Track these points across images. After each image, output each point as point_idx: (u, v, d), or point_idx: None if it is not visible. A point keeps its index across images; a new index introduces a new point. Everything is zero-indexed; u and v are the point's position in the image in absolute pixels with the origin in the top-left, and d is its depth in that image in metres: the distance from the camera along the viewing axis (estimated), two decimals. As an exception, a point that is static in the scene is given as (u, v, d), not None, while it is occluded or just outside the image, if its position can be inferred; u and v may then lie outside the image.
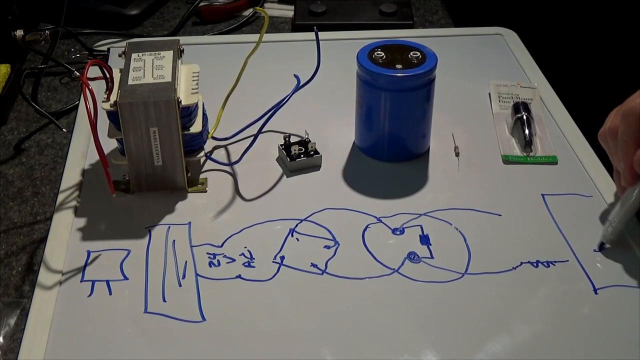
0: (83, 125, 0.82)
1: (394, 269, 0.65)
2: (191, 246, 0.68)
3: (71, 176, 0.76)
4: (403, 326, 0.60)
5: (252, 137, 0.75)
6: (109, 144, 0.73)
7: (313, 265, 0.66)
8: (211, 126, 0.76)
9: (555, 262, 0.66)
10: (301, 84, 0.77)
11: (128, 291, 0.63)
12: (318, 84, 0.78)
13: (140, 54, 0.73)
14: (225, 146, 0.80)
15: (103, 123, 0.68)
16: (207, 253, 0.67)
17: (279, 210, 0.72)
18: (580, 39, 1.33)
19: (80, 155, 0.78)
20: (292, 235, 0.69)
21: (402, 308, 0.62)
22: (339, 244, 0.68)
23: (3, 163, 0.80)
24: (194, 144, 0.73)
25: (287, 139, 0.78)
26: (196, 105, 0.71)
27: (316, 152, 0.77)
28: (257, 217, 0.71)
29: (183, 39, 0.82)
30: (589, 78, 1.28)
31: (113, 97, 0.68)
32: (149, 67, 0.71)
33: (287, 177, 0.76)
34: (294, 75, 0.77)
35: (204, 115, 0.75)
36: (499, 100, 0.87)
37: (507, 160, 0.78)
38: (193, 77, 0.73)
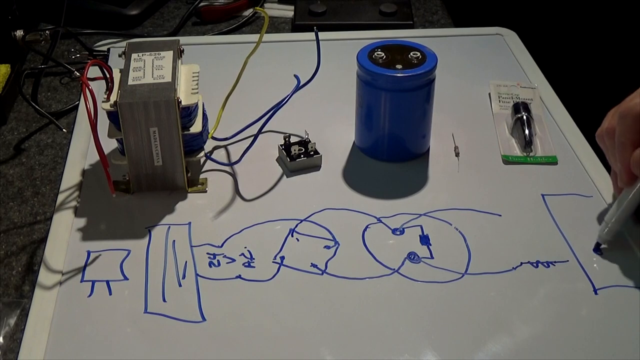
0: (83, 125, 0.82)
1: (394, 269, 0.65)
2: (191, 246, 0.68)
3: (71, 176, 0.76)
4: (403, 326, 0.60)
5: (252, 137, 0.75)
6: (109, 144, 0.73)
7: (313, 265, 0.66)
8: (211, 126, 0.76)
9: (555, 262, 0.66)
10: (301, 84, 0.77)
11: (128, 291, 0.63)
12: (318, 84, 0.78)
13: (140, 54, 0.73)
14: (225, 146, 0.80)
15: (103, 123, 0.68)
16: (207, 253, 0.67)
17: (279, 210, 0.72)
18: (580, 39, 1.33)
19: (80, 155, 0.78)
20: (292, 236, 0.69)
21: (402, 308, 0.62)
22: (339, 244, 0.68)
23: (3, 163, 0.80)
24: (194, 144, 0.73)
25: (287, 139, 0.78)
26: (196, 105, 0.71)
27: (316, 152, 0.77)
28: (257, 217, 0.71)
29: (183, 39, 0.82)
30: (589, 78, 1.28)
31: (113, 97, 0.68)
32: (149, 67, 0.71)
33: (287, 177, 0.76)
34: (294, 75, 0.77)
35: (204, 115, 0.75)
36: (499, 100, 0.87)
37: (507, 160, 0.78)
38: (193, 77, 0.73)
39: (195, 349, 0.58)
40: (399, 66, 0.74)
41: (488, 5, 1.32)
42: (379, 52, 0.75)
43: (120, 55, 0.74)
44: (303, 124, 0.80)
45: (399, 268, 0.66)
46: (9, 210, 0.74)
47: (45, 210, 0.74)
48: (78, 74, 0.68)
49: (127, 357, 0.58)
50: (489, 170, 0.77)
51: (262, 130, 0.76)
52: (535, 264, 0.66)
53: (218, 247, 0.68)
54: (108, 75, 0.70)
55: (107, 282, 0.64)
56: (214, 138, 0.77)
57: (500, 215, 0.71)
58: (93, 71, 0.66)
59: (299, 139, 0.79)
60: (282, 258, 0.66)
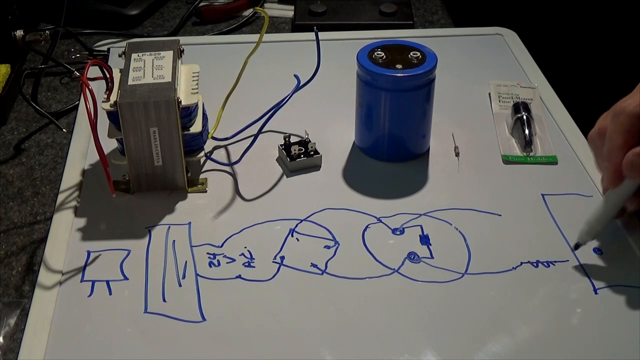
0: (83, 125, 0.82)
1: (394, 269, 0.65)
2: (191, 246, 0.68)
3: (71, 176, 0.76)
4: (403, 326, 0.60)
5: (252, 137, 0.75)
6: (109, 144, 0.73)
7: (313, 265, 0.66)
8: (211, 126, 0.76)
9: (555, 262, 0.66)
10: (301, 84, 0.77)
11: (128, 291, 0.63)
12: (318, 84, 0.78)
13: (140, 54, 0.73)
14: (225, 146, 0.80)
15: (103, 123, 0.68)
16: (207, 253, 0.67)
17: (279, 210, 0.72)
18: (580, 39, 1.33)
19: (80, 155, 0.78)
20: (292, 235, 0.69)
21: (402, 308, 0.62)
22: (339, 244, 0.68)
23: (3, 163, 0.80)
24: (194, 144, 0.73)
25: (287, 139, 0.78)
26: (196, 105, 0.71)
27: (316, 152, 0.77)
28: (257, 217, 0.71)
29: (183, 39, 0.82)
30: (589, 78, 1.28)
31: (113, 97, 0.68)
32: (149, 67, 0.71)
33: (287, 177, 0.76)
34: (294, 75, 0.77)
35: (204, 115, 0.75)
36: (499, 100, 0.87)
37: (507, 160, 0.78)
38: (193, 77, 0.73)
39: (195, 349, 0.58)
40: (399, 66, 0.74)
41: (488, 5, 1.32)
42: (379, 52, 0.75)
43: (120, 55, 0.74)
44: (303, 124, 0.80)
45: (399, 268, 0.66)
46: (9, 210, 0.74)
47: (45, 210, 0.74)
48: (78, 74, 0.68)
49: (127, 357, 0.58)
50: (489, 170, 0.77)
51: (262, 130, 0.76)
52: (535, 264, 0.66)
53: (218, 247, 0.68)
54: (108, 75, 0.70)
55: (107, 282, 0.64)
56: (214, 138, 0.77)
57: (500, 215, 0.71)
58: (93, 71, 0.66)
59: (299, 139, 0.79)
60: (282, 258, 0.66)
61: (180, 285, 0.64)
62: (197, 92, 0.72)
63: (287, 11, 1.11)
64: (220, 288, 0.64)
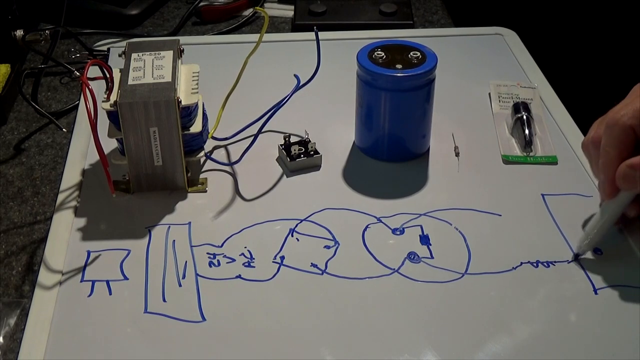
0: (83, 125, 0.82)
1: (394, 269, 0.65)
2: (191, 246, 0.68)
3: (71, 176, 0.76)
4: (403, 326, 0.60)
5: (252, 137, 0.75)
6: (109, 144, 0.73)
7: (313, 265, 0.66)
8: (211, 126, 0.76)
9: (555, 262, 0.66)
10: (301, 84, 0.77)
11: (128, 291, 0.63)
12: (318, 84, 0.78)
13: (140, 54, 0.73)
14: (225, 146, 0.80)
15: (103, 123, 0.68)
16: (207, 253, 0.67)
17: (279, 210, 0.72)
18: (580, 39, 1.33)
19: (80, 155, 0.78)
20: (292, 235, 0.69)
21: (402, 308, 0.62)
22: (339, 244, 0.68)
23: (3, 163, 0.80)
24: (194, 144, 0.73)
25: (287, 139, 0.78)
26: (196, 105, 0.71)
27: (316, 152, 0.77)
28: (257, 217, 0.71)
29: (183, 39, 0.82)
30: (589, 78, 1.28)
31: (113, 97, 0.68)
32: (149, 67, 0.71)
33: (287, 177, 0.76)
34: (294, 75, 0.77)
35: (204, 115, 0.75)
36: (499, 100, 0.87)
37: (507, 160, 0.78)
38: (193, 77, 0.73)
39: (195, 349, 0.58)
40: (399, 66, 0.74)
41: (488, 5, 1.32)
42: (379, 52, 0.75)
43: (120, 55, 0.74)
44: (303, 124, 0.80)
45: (399, 268, 0.66)
46: (9, 210, 0.74)
47: (45, 210, 0.74)
48: (78, 73, 0.68)
49: (127, 357, 0.58)
50: (489, 170, 0.77)
51: (262, 130, 0.76)
52: (535, 264, 0.66)
53: (218, 247, 0.68)
54: (108, 75, 0.70)
55: (107, 282, 0.64)
56: (214, 138, 0.77)
57: (500, 215, 0.71)
58: (93, 71, 0.66)
59: (299, 139, 0.79)
60: (282, 258, 0.66)
61: (180, 285, 0.64)
62: (197, 92, 0.72)
63: (287, 11, 1.11)
64: (220, 288, 0.64)
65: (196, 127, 0.71)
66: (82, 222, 0.70)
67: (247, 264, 0.66)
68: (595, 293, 0.63)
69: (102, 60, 0.86)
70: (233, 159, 0.78)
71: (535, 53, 0.97)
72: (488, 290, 0.63)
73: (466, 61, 0.96)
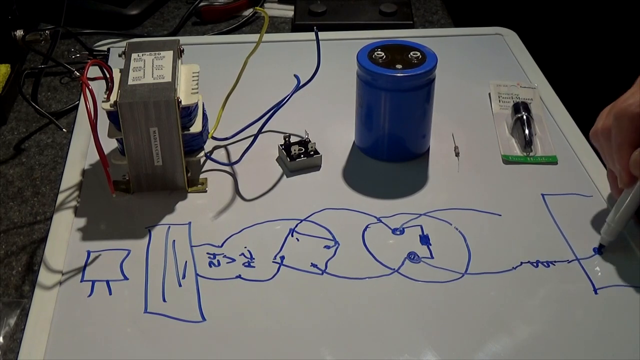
0: (83, 125, 0.82)
1: (394, 269, 0.65)
2: (191, 246, 0.68)
3: (71, 176, 0.76)
4: (403, 326, 0.60)
5: (252, 137, 0.75)
6: (109, 144, 0.73)
7: (313, 265, 0.66)
8: (211, 126, 0.76)
9: (555, 262, 0.66)
10: (301, 84, 0.77)
11: (128, 291, 0.63)
12: (318, 84, 0.78)
13: (140, 54, 0.73)
14: (225, 146, 0.80)
15: (103, 123, 0.68)
16: (207, 253, 0.67)
17: (279, 210, 0.72)
18: (580, 39, 1.33)
19: (80, 155, 0.78)
20: (292, 235, 0.69)
21: (402, 308, 0.62)
22: (339, 244, 0.68)
23: (3, 163, 0.80)
24: (194, 144, 0.73)
25: (287, 139, 0.78)
26: (196, 105, 0.71)
27: (316, 152, 0.77)
28: (257, 217, 0.71)
29: (183, 39, 0.82)
30: (589, 78, 1.28)
31: (113, 97, 0.68)
32: (149, 67, 0.71)
33: (287, 177, 0.76)
34: (294, 75, 0.77)
35: (204, 115, 0.75)
36: (499, 100, 0.87)
37: (507, 160, 0.78)
38: (193, 77, 0.73)
39: (195, 349, 0.58)
40: (399, 66, 0.73)
41: (488, 5, 1.32)
42: (379, 52, 0.75)
43: (120, 55, 0.74)
44: (303, 124, 0.80)
45: (399, 268, 0.66)
46: (9, 210, 0.74)
47: (45, 210, 0.74)
48: (78, 74, 0.68)
49: (127, 357, 0.58)
50: (489, 170, 0.77)
51: (262, 130, 0.76)
52: (535, 264, 0.66)
53: (218, 247, 0.68)
54: (108, 75, 0.70)
55: (107, 282, 0.64)
56: (214, 138, 0.77)
57: (500, 215, 0.71)
58: (93, 71, 0.66)
59: (299, 139, 0.79)
60: (282, 258, 0.66)
61: (180, 285, 0.64)
62: (197, 92, 0.72)
63: (287, 11, 1.11)
64: (220, 288, 0.64)
65: (196, 127, 0.71)
66: (82, 222, 0.70)
67: (247, 264, 0.66)
68: (595, 293, 0.63)
69: (102, 60, 0.86)
70: (233, 159, 0.78)
71: (535, 53, 0.97)
72: (488, 290, 0.63)
73: (466, 61, 0.96)
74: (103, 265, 0.66)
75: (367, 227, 0.70)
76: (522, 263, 0.66)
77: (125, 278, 0.64)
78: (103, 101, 0.68)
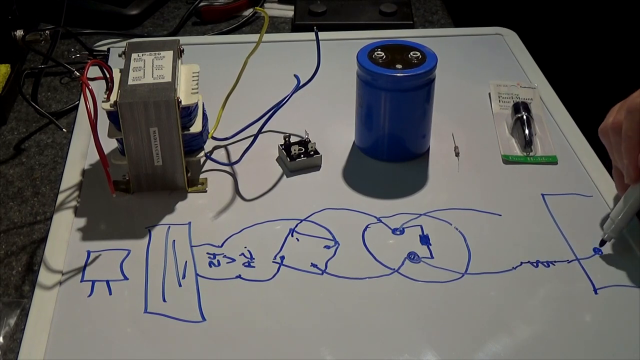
0: (83, 125, 0.82)
1: (394, 269, 0.65)
2: (191, 246, 0.68)
3: (71, 176, 0.76)
4: (403, 326, 0.60)
5: (252, 137, 0.75)
6: (109, 144, 0.73)
7: (313, 265, 0.66)
8: (211, 126, 0.76)
9: (555, 262, 0.66)
10: (301, 84, 0.77)
11: (128, 291, 0.63)
12: (318, 84, 0.78)
13: (140, 54, 0.73)
14: (225, 146, 0.80)
15: (103, 123, 0.68)
16: (207, 253, 0.67)
17: (279, 210, 0.72)
18: (580, 39, 1.33)
19: (80, 155, 0.78)
20: (292, 235, 0.69)
21: (402, 308, 0.62)
22: (339, 244, 0.68)
23: (3, 163, 0.80)
24: (194, 144, 0.73)
25: (287, 139, 0.78)
26: (196, 105, 0.71)
27: (316, 152, 0.77)
28: (257, 217, 0.71)
29: (183, 39, 0.82)
30: (589, 78, 1.28)
31: (113, 97, 0.68)
32: (149, 67, 0.71)
33: (287, 177, 0.76)
34: (294, 75, 0.77)
35: (204, 115, 0.75)
36: (499, 100, 0.87)
37: (507, 160, 0.78)
38: (193, 77, 0.73)
39: (195, 349, 0.58)
40: (399, 66, 0.74)
41: (488, 5, 1.32)
42: (379, 52, 0.75)
43: (120, 55, 0.74)
44: (303, 124, 0.80)
45: (399, 268, 0.66)
46: (9, 210, 0.74)
47: (45, 210, 0.74)
48: (78, 74, 0.68)
49: (127, 357, 0.58)
50: (489, 170, 0.77)
51: (262, 130, 0.76)
52: (535, 264, 0.66)
53: (218, 247, 0.68)
54: (108, 75, 0.70)
55: (107, 282, 0.64)
56: (214, 138, 0.77)
57: (500, 215, 0.71)
58: (93, 71, 0.66)
59: (299, 139, 0.79)
60: (282, 258, 0.66)
61: (180, 285, 0.64)
62: (197, 92, 0.72)
63: (287, 11, 1.11)
64: (220, 288, 0.64)
65: (196, 127, 0.71)
66: (82, 222, 0.70)
67: (247, 264, 0.66)
68: (595, 293, 0.63)
69: (102, 60, 0.86)
70: (233, 159, 0.78)
71: (535, 53, 0.97)
72: (488, 290, 0.63)
73: (466, 61, 0.96)
74: (103, 265, 0.66)
75: (367, 227, 0.70)
76: (522, 263, 0.66)
77: (125, 278, 0.64)
78: (103, 101, 0.68)
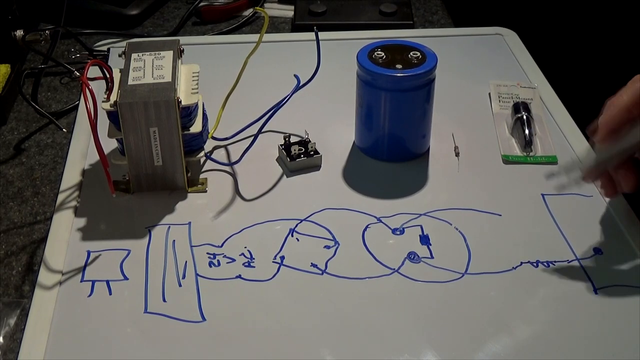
0: (83, 125, 0.82)
1: (394, 269, 0.66)
2: (191, 246, 0.68)
3: (71, 176, 0.76)
4: (403, 326, 0.60)
5: (252, 137, 0.75)
6: (109, 144, 0.73)
7: (313, 265, 0.66)
8: (211, 126, 0.76)
9: (555, 262, 0.66)
10: (301, 84, 0.77)
11: (128, 291, 0.63)
12: (318, 84, 0.78)
13: (140, 54, 0.73)
14: (225, 146, 0.80)
15: (103, 123, 0.68)
16: (207, 253, 0.67)
17: (279, 210, 0.72)
18: (580, 39, 1.33)
19: (80, 155, 0.78)
20: (292, 235, 0.69)
21: (402, 308, 0.62)
22: (339, 244, 0.68)
23: (3, 163, 0.80)
24: (194, 144, 0.73)
25: (287, 139, 0.78)
26: (196, 105, 0.71)
27: (316, 152, 0.77)
28: (257, 217, 0.71)
29: (183, 39, 0.82)
30: (589, 78, 1.28)
31: (113, 97, 0.68)
32: (149, 67, 0.71)
33: (287, 177, 0.76)
34: (294, 75, 0.77)
35: (204, 115, 0.75)
36: (499, 100, 0.87)
37: (507, 160, 0.78)
38: (193, 77, 0.73)
39: (195, 349, 0.58)
40: (399, 66, 0.74)
41: (488, 5, 1.32)
42: (379, 52, 0.75)
43: (120, 55, 0.74)
44: (303, 124, 0.80)
45: (399, 268, 0.66)
46: (9, 210, 0.74)
47: (45, 210, 0.74)
48: (78, 74, 0.68)
49: (127, 357, 0.58)
50: (489, 170, 0.77)
51: (262, 130, 0.76)
52: (535, 264, 0.66)
53: (218, 247, 0.68)
54: (108, 75, 0.70)
55: (107, 282, 0.64)
56: (214, 138, 0.77)
57: (500, 215, 0.71)
58: (93, 71, 0.66)
59: (299, 139, 0.79)
60: (282, 258, 0.66)
61: (180, 285, 0.64)
62: (197, 92, 0.72)
63: (287, 11, 1.11)
64: (220, 288, 0.64)
65: (196, 127, 0.71)
66: (82, 222, 0.70)
67: (247, 264, 0.66)
68: (595, 293, 0.63)
69: (102, 60, 0.86)
70: (233, 159, 0.78)
71: (535, 53, 0.97)
72: (488, 290, 0.63)
73: (466, 61, 0.96)
74: (103, 265, 0.66)
75: (367, 227, 0.70)
76: (522, 263, 0.66)
77: (125, 278, 0.64)
78: (103, 101, 0.68)
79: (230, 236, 0.69)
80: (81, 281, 0.64)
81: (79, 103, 0.88)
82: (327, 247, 0.68)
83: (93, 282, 0.64)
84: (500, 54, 0.97)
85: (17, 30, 0.90)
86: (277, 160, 0.78)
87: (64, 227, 0.69)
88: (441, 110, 0.80)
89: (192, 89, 0.72)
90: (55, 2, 0.91)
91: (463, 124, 0.84)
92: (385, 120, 0.76)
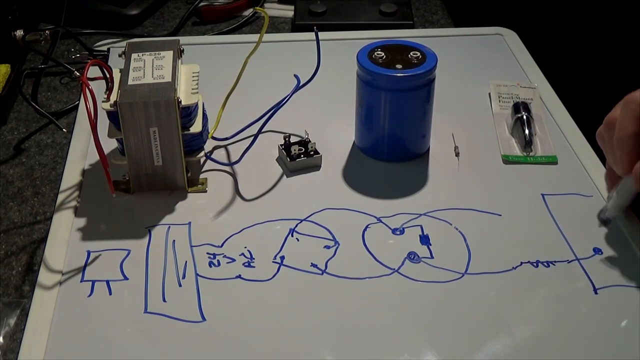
0: (83, 125, 0.82)
1: (394, 269, 0.66)
2: (191, 246, 0.68)
3: (71, 176, 0.76)
4: (403, 326, 0.60)
5: (252, 137, 0.75)
6: (109, 144, 0.73)
7: (313, 265, 0.66)
8: (211, 126, 0.76)
9: (555, 262, 0.66)
10: (301, 84, 0.77)
11: (128, 291, 0.63)
12: (318, 84, 0.78)
13: (140, 54, 0.73)
14: (225, 146, 0.80)
15: (103, 123, 0.68)
16: (207, 253, 0.67)
17: (279, 210, 0.72)
18: (580, 39, 1.33)
19: (80, 155, 0.78)
20: (292, 235, 0.69)
21: (402, 308, 0.62)
22: (339, 244, 0.68)
23: (3, 163, 0.80)
24: (194, 144, 0.73)
25: (287, 139, 0.78)
26: (196, 105, 0.71)
27: (316, 152, 0.77)
28: (257, 217, 0.71)
29: (183, 39, 0.82)
30: (589, 78, 1.28)
31: (113, 97, 0.68)
32: (149, 67, 0.71)
33: (287, 177, 0.76)
34: (294, 75, 0.77)
35: (204, 115, 0.75)
36: (499, 100, 0.87)
37: (507, 160, 0.78)
38: (193, 77, 0.73)
39: (195, 349, 0.58)
40: (399, 66, 0.74)
41: (488, 5, 1.32)
42: (379, 52, 0.75)
43: (120, 55, 0.74)
44: (303, 124, 0.80)
45: (399, 268, 0.66)
46: (9, 210, 0.74)
47: (45, 210, 0.74)
48: (78, 74, 0.68)
49: (127, 357, 0.58)
50: (489, 170, 0.77)
51: (262, 130, 0.76)
52: (535, 264, 0.66)
53: (218, 247, 0.68)
54: (108, 75, 0.70)
55: (107, 282, 0.64)
56: (214, 138, 0.77)
57: (500, 215, 0.71)
58: (93, 71, 0.66)
59: (299, 139, 0.79)
60: (282, 258, 0.66)
61: (180, 285, 0.64)
62: (197, 92, 0.72)
63: (287, 11, 1.11)
64: (220, 288, 0.64)
65: (196, 127, 0.71)
66: (82, 222, 0.70)
67: (247, 264, 0.66)
68: (595, 293, 0.63)
69: (102, 60, 0.86)
70: (233, 159, 0.78)
71: (535, 53, 0.97)
72: (488, 290, 0.63)
73: (466, 61, 0.96)
74: (103, 265, 0.66)
75: (367, 227, 0.70)
76: (522, 263, 0.66)
77: (125, 278, 0.64)
78: (103, 101, 0.68)
79: (230, 236, 0.69)
80: (81, 281, 0.64)
81: (79, 103, 0.88)
82: (327, 247, 0.68)
83: (93, 282, 0.64)
84: (500, 54, 0.97)
85: (17, 30, 0.90)
86: (277, 160, 0.78)
87: (64, 227, 0.69)
88: (441, 110, 0.80)
89: (192, 89, 0.72)
90: (55, 2, 0.91)
91: (463, 124, 0.84)
92: (385, 120, 0.76)
